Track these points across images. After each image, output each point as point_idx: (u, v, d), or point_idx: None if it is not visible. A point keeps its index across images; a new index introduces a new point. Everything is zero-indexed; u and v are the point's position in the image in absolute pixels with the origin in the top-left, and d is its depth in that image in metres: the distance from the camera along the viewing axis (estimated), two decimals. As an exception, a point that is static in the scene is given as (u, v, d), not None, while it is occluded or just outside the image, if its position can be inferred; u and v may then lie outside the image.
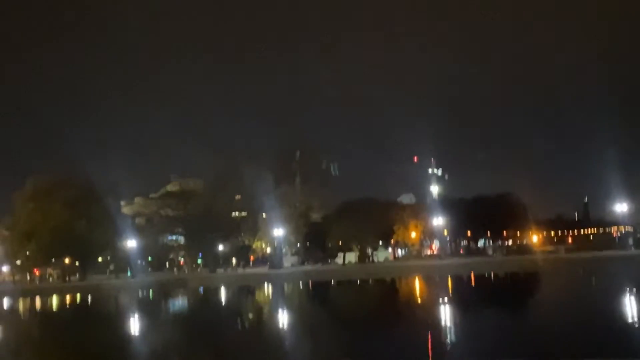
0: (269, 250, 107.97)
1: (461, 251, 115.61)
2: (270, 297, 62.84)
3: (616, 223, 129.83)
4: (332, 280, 74.40)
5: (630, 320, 26.70)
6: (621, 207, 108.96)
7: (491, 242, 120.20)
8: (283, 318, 38.03)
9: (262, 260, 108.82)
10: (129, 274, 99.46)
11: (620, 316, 27.91)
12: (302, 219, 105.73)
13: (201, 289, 74.62)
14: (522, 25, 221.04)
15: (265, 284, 74.50)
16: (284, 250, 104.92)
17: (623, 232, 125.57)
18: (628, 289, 42.34)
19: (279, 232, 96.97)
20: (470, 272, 70.08)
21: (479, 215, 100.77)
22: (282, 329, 31.65)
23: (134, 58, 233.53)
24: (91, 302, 67.83)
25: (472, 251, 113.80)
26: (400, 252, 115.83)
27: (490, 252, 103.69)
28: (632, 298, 36.43)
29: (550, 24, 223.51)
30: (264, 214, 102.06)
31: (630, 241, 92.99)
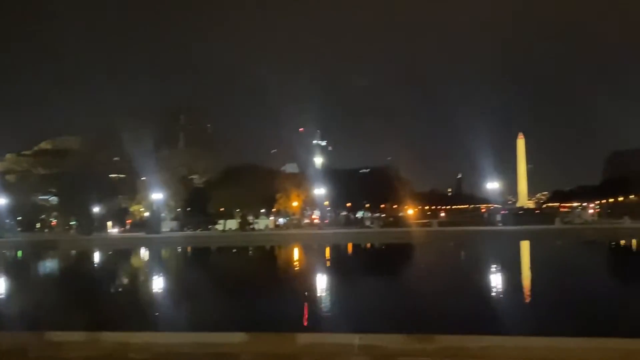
0: (147, 214, 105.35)
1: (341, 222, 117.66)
2: (145, 262, 61.58)
3: (486, 200, 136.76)
4: (211, 247, 73.68)
5: (491, 292, 28.17)
6: (492, 185, 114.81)
7: (369, 213, 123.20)
8: (155, 284, 37.31)
9: (140, 224, 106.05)
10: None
11: (482, 287, 29.42)
12: (183, 183, 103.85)
13: (73, 252, 71.87)
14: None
15: (142, 249, 72.75)
16: (162, 214, 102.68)
17: (492, 208, 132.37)
18: (491, 261, 44.87)
19: (158, 195, 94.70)
20: (348, 243, 71.45)
21: (359, 187, 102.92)
22: (153, 295, 31.02)
23: (13, 12, 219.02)
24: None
25: (350, 222, 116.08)
26: (281, 220, 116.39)
27: (368, 223, 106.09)
28: (494, 270, 38.62)
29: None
30: (143, 177, 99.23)
31: (498, 217, 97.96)
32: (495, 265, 41.99)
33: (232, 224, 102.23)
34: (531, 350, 6.43)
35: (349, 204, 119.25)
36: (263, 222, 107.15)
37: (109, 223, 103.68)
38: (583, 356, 6.21)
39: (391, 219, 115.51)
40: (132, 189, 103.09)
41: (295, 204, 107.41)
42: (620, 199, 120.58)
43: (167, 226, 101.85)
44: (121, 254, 67.41)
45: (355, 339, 6.36)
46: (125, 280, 41.47)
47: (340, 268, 44.66)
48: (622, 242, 63.79)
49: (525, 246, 61.57)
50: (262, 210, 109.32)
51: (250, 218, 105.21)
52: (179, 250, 72.49)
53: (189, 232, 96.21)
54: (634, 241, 63.52)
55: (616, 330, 16.23)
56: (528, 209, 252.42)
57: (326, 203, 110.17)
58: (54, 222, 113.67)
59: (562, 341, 6.64)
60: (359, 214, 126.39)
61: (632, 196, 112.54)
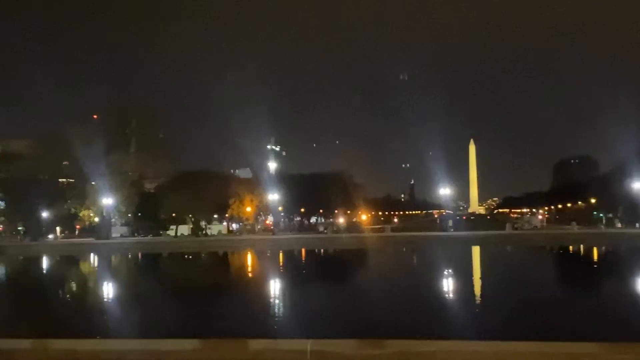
0: (97, 219, 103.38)
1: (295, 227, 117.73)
2: (93, 268, 60.54)
3: (438, 205, 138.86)
4: (163, 253, 72.83)
5: (439, 296, 28.55)
6: (444, 191, 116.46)
7: (323, 219, 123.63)
8: (101, 291, 36.70)
9: (90, 229, 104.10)
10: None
11: (430, 292, 29.80)
12: (135, 188, 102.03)
13: (20, 258, 70.22)
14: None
15: (91, 255, 71.49)
16: (113, 220, 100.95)
17: (444, 214, 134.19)
18: (441, 266, 45.57)
19: (108, 201, 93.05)
20: (301, 248, 71.49)
21: (313, 192, 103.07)
22: (98, 302, 30.50)
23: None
24: None
25: (304, 227, 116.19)
26: (234, 226, 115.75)
27: (321, 228, 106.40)
28: (444, 275, 39.18)
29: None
30: (93, 181, 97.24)
31: (450, 223, 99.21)
32: (444, 271, 42.61)
33: (184, 229, 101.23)
34: (481, 354, 6.54)
35: (302, 210, 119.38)
36: (216, 228, 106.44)
37: (58, 228, 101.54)
38: (530, 360, 6.35)
39: (345, 224, 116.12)
40: (82, 194, 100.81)
41: (248, 209, 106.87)
42: (568, 205, 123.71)
43: (118, 232, 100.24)
44: (69, 260, 66.15)
45: (307, 345, 6.37)
46: (70, 288, 40.61)
47: (291, 274, 44.64)
48: (570, 247, 65.42)
49: (475, 251, 62.64)
50: (215, 216, 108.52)
51: (203, 223, 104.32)
52: (129, 256, 71.43)
53: (140, 238, 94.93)
54: (581, 246, 65.19)
55: (567, 334, 16.63)
56: (479, 215, 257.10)
57: (280, 208, 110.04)
58: (0, 227, 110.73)
59: (510, 345, 6.76)
60: (313, 220, 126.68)
61: (580, 203, 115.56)
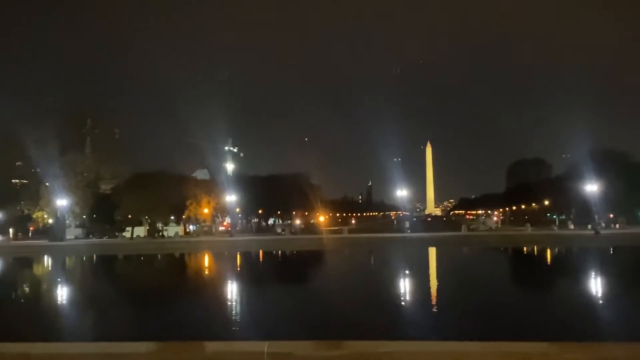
0: (51, 221, 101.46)
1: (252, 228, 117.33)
2: (44, 271, 59.47)
3: (395, 207, 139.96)
4: (118, 255, 71.80)
5: (394, 297, 28.82)
6: (401, 193, 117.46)
7: (281, 220, 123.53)
8: (55, 294, 36.07)
9: (44, 231, 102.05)
10: None
11: (385, 292, 30.07)
12: (90, 189, 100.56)
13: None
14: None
15: (44, 257, 70.10)
16: (67, 221, 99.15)
17: (400, 215, 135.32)
18: (397, 267, 46.05)
19: (62, 202, 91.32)
20: (259, 250, 71.39)
21: (271, 193, 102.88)
22: (51, 306, 29.98)
23: None
24: None
25: (262, 229, 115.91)
26: (191, 227, 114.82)
27: (279, 230, 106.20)
28: (400, 275, 39.58)
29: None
30: (47, 182, 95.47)
31: (407, 224, 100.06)
32: (400, 271, 43.07)
33: (141, 231, 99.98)
34: (436, 354, 6.61)
35: (260, 211, 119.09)
36: (173, 230, 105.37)
37: (11, 230, 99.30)
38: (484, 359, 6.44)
39: (302, 225, 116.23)
40: (35, 195, 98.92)
41: (205, 210, 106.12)
42: (523, 206, 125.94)
43: (72, 233, 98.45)
44: (21, 262, 64.77)
45: (264, 347, 6.36)
46: (22, 291, 39.75)
47: (247, 275, 44.61)
48: (524, 248, 66.65)
49: (432, 252, 63.39)
50: (172, 217, 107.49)
51: (159, 225, 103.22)
52: (84, 258, 70.24)
53: (95, 240, 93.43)
54: (534, 247, 66.45)
55: (518, 333, 16.96)
56: (436, 216, 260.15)
57: (238, 210, 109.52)
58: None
59: (465, 345, 6.85)
60: (271, 221, 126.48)
61: (534, 204, 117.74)
